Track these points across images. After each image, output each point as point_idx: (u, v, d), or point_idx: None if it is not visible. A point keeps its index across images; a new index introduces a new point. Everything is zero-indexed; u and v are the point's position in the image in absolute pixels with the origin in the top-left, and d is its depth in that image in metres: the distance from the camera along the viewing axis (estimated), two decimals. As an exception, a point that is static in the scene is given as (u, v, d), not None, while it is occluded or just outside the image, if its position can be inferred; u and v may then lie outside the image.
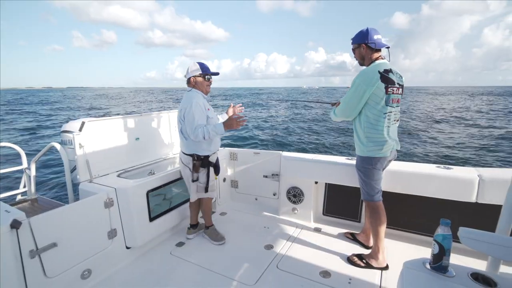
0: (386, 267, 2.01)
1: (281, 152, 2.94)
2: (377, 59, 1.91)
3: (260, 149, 3.21)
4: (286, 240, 2.44)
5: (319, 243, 2.39)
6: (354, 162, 2.44)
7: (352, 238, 2.42)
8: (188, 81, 2.32)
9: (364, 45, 1.91)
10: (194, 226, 2.59)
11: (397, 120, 1.96)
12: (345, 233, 2.51)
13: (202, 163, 2.32)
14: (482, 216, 2.03)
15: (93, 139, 2.29)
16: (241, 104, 2.64)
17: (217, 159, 2.51)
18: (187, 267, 2.11)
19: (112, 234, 2.09)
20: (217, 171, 2.50)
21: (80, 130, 2.18)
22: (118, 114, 2.59)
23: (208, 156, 2.35)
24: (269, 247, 2.34)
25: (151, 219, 2.32)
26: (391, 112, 1.86)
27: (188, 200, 2.71)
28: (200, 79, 2.29)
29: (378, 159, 1.91)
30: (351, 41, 2.00)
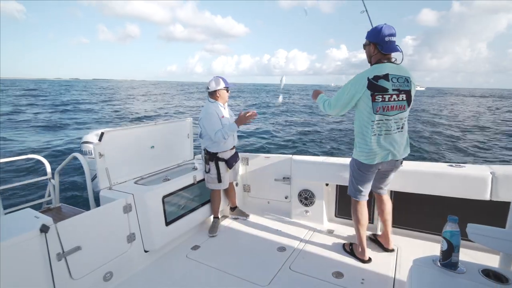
0: (368, 260, 2.12)
1: (291, 155, 2.98)
2: (380, 61, 1.81)
3: (271, 154, 3.27)
4: (298, 242, 2.47)
5: (332, 244, 2.40)
6: None
7: (374, 238, 2.39)
8: (212, 94, 2.69)
9: (373, 44, 1.83)
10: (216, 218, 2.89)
11: (400, 128, 1.84)
12: (369, 235, 2.44)
13: (210, 157, 2.71)
14: (497, 214, 1.99)
15: (112, 148, 2.41)
16: (253, 112, 2.69)
17: (232, 157, 2.80)
18: (202, 269, 2.18)
19: (131, 238, 2.19)
20: (228, 166, 2.77)
21: (100, 140, 2.31)
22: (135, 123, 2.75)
23: (216, 153, 2.69)
24: (282, 249, 2.37)
25: (167, 223, 2.41)
26: (381, 120, 1.78)
27: (202, 204, 2.85)
28: (223, 91, 2.70)
29: (362, 164, 1.92)
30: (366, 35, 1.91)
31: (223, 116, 2.66)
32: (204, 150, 2.78)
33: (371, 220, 2.66)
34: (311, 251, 2.32)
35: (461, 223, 1.14)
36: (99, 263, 1.96)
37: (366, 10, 2.18)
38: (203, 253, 2.42)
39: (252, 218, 3.03)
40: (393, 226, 2.54)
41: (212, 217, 2.92)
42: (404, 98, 1.79)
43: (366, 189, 2.06)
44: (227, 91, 2.75)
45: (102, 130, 2.38)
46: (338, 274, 1.98)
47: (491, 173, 1.95)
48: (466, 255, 1.14)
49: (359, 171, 1.99)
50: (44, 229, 1.61)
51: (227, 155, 2.77)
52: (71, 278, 1.79)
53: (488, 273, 1.10)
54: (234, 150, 2.87)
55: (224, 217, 3.11)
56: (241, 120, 2.53)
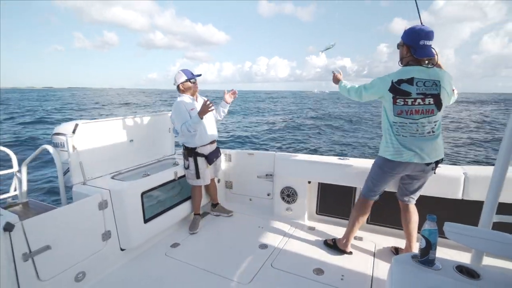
0: (350, 253, 2.23)
1: (274, 152, 2.98)
2: (409, 64, 1.79)
3: (254, 150, 3.25)
4: (280, 239, 2.48)
5: (313, 242, 2.43)
6: (345, 162, 2.50)
7: (395, 253, 2.24)
8: (178, 88, 2.68)
9: (406, 46, 1.78)
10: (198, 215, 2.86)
11: (431, 132, 1.78)
12: (391, 247, 2.33)
13: (188, 152, 2.67)
14: (468, 212, 2.10)
15: (87, 141, 2.28)
16: (232, 89, 2.87)
17: (212, 152, 2.76)
18: (182, 268, 2.12)
19: (106, 236, 2.08)
20: (208, 161, 2.74)
21: (74, 132, 2.17)
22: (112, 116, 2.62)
23: (194, 148, 2.66)
24: (264, 246, 2.37)
25: (146, 220, 2.32)
26: (404, 123, 1.77)
27: (182, 201, 2.77)
28: (187, 83, 2.65)
29: (386, 160, 1.90)
30: (402, 33, 1.84)
31: (192, 109, 2.59)
32: (182, 145, 2.73)
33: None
34: (293, 248, 2.34)
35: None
36: (71, 263, 1.85)
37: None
38: (183, 251, 2.36)
39: (234, 215, 3.00)
40: (370, 223, 2.62)
41: (192, 214, 2.86)
42: (432, 102, 1.73)
43: (380, 190, 2.07)
44: (192, 83, 2.67)
45: (77, 122, 2.24)
46: (319, 271, 2.01)
47: (463, 173, 2.06)
48: (439, 251, 1.18)
49: (381, 170, 1.95)
50: (8, 227, 1.48)
51: (206, 150, 2.71)
52: (38, 280, 1.67)
53: (462, 269, 1.16)
54: (214, 145, 2.81)
55: (205, 214, 3.06)
56: (203, 110, 2.41)
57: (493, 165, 1.46)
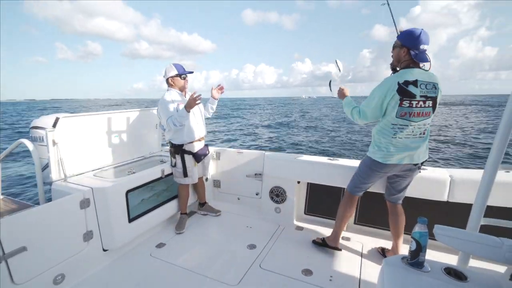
0: (339, 249, 2.25)
1: (264, 152, 2.95)
2: (409, 66, 1.76)
3: (244, 149, 3.20)
4: (268, 240, 2.45)
5: (301, 242, 2.42)
6: (335, 162, 2.51)
7: (382, 253, 2.25)
8: (167, 82, 2.61)
9: (406, 48, 1.75)
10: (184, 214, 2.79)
11: (422, 134, 1.81)
12: (378, 248, 2.34)
13: (176, 150, 2.58)
14: (453, 214, 2.16)
15: (68, 136, 2.17)
16: (219, 85, 2.82)
17: (200, 150, 2.69)
18: (168, 269, 2.06)
19: (88, 236, 1.99)
20: (196, 159, 2.68)
21: (54, 126, 2.05)
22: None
23: (181, 145, 2.58)
24: (252, 246, 2.34)
25: (130, 219, 2.24)
26: (405, 125, 1.75)
27: (168, 199, 2.70)
28: (177, 78, 2.58)
29: (376, 162, 1.90)
30: (397, 35, 1.81)
31: (180, 104, 2.49)
32: (169, 142, 2.64)
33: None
34: (281, 248, 2.32)
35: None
36: (49, 265, 1.75)
37: (388, 3, 2.06)
38: (169, 251, 2.29)
39: (222, 214, 2.95)
40: (357, 224, 2.64)
41: (179, 213, 2.79)
42: (430, 105, 1.74)
43: (365, 187, 2.10)
44: (182, 78, 2.59)
45: (57, 115, 2.12)
46: (307, 272, 2.00)
47: (450, 176, 2.11)
48: (427, 253, 1.20)
49: (369, 169, 1.95)
50: None
51: (194, 147, 2.64)
52: (12, 283, 1.56)
53: (450, 271, 1.17)
54: (202, 142, 2.75)
55: (192, 213, 2.99)
56: (189, 103, 2.31)
57: (473, 167, 1.49)
